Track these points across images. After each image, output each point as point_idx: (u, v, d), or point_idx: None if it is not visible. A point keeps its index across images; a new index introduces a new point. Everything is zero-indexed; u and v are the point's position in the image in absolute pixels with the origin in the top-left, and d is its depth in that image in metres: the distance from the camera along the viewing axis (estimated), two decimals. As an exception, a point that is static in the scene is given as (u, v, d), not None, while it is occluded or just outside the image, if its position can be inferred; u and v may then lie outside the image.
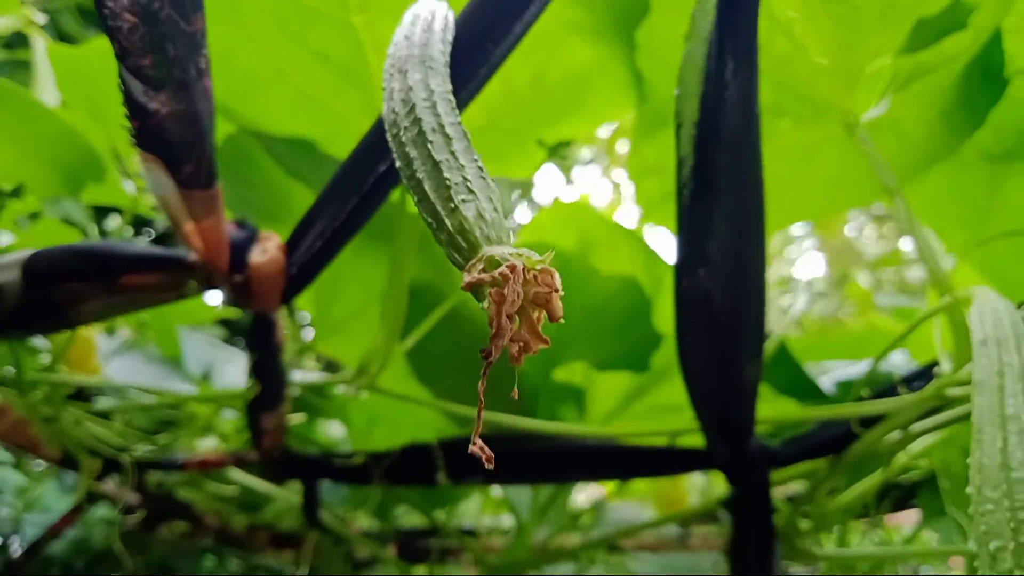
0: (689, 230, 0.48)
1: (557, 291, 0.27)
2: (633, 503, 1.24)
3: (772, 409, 0.74)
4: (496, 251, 0.27)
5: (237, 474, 1.10)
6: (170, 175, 0.46)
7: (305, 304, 0.99)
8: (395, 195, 0.69)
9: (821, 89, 0.66)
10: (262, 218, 0.91)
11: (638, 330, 0.84)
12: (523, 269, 0.27)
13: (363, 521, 1.32)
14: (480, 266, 0.27)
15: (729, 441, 0.60)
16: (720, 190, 0.47)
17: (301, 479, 0.88)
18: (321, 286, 0.93)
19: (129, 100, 0.42)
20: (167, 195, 0.49)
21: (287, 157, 0.84)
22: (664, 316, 0.85)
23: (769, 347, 0.76)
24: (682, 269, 0.49)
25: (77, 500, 1.03)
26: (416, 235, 0.65)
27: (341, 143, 0.77)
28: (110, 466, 0.89)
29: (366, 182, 0.51)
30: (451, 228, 0.29)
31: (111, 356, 1.08)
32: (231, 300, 0.56)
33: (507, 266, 0.26)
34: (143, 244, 0.60)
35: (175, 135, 0.43)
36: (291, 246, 0.55)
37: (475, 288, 0.27)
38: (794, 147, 0.74)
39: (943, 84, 0.69)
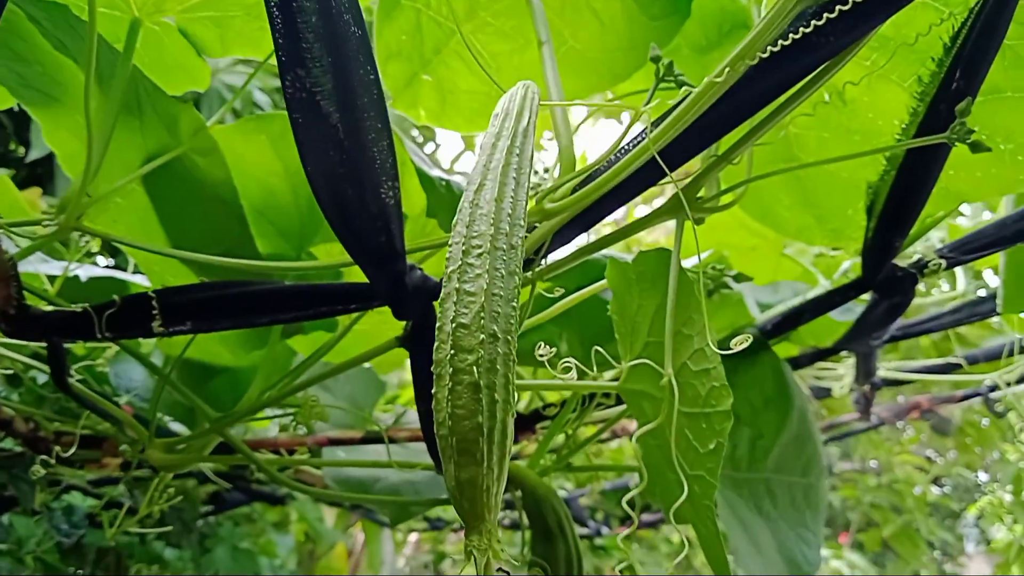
0: (280, 31, 0.52)
1: None
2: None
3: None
4: None
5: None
6: None
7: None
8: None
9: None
10: (39, 97, 0.92)
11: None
12: None
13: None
14: None
15: (382, 271, 0.63)
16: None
17: (42, 338, 0.90)
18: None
19: None
20: None
21: (47, 24, 0.84)
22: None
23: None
24: (282, 70, 0.52)
25: None
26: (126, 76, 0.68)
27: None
28: None
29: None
30: None
31: None
32: None
33: None
34: None
35: None
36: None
37: None
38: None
39: (630, -35, 0.74)
